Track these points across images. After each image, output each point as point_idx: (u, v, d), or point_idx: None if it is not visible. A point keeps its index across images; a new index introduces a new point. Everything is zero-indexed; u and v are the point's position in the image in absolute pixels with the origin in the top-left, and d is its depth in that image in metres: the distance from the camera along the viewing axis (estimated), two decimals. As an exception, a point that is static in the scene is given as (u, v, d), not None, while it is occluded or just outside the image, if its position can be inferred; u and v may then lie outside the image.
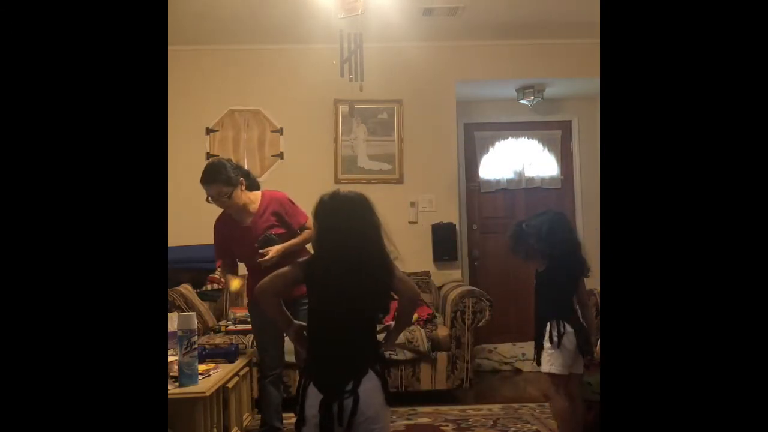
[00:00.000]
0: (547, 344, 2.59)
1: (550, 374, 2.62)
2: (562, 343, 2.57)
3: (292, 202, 3.02)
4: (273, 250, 2.84)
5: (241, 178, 2.91)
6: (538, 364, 2.67)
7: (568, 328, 2.58)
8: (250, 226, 2.95)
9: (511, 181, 5.35)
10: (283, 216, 2.96)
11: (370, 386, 1.75)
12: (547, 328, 2.59)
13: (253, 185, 3.02)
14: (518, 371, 4.90)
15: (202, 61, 4.79)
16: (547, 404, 3.21)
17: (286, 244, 2.89)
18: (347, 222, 1.83)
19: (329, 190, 1.92)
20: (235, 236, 2.97)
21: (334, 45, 3.63)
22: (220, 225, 3.06)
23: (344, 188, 1.94)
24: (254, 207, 2.98)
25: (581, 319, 2.64)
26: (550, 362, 2.60)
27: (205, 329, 3.88)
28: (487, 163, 5.35)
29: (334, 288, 1.80)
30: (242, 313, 4.01)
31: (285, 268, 1.90)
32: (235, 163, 2.97)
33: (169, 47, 3.44)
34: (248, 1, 4.03)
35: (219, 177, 2.84)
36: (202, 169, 2.94)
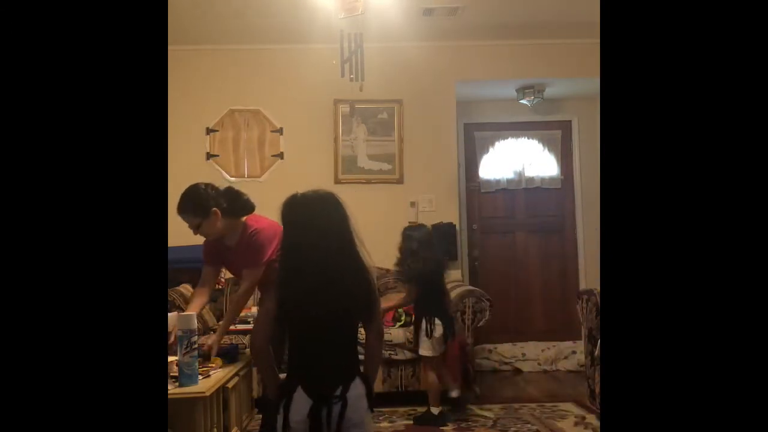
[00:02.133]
0: (422, 334, 3.47)
1: (424, 356, 3.50)
2: (433, 334, 3.44)
3: (262, 243, 2.73)
4: (208, 345, 2.67)
5: (214, 209, 2.70)
6: (417, 350, 3.54)
7: (437, 321, 3.44)
8: (234, 249, 2.82)
9: (511, 181, 5.35)
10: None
11: (357, 392, 1.76)
12: (423, 323, 3.47)
13: (240, 210, 2.80)
14: (518, 371, 4.90)
15: (202, 61, 4.79)
16: (548, 404, 3.52)
17: (218, 333, 2.77)
18: (311, 221, 1.80)
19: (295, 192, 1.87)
20: (222, 252, 2.87)
21: (334, 45, 3.63)
22: (211, 250, 2.90)
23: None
24: (234, 240, 2.81)
25: (449, 313, 3.58)
26: (424, 348, 3.47)
27: (205, 329, 3.88)
28: (487, 163, 5.35)
29: (308, 293, 1.78)
30: (242, 313, 4.01)
31: (263, 309, 1.88)
32: (214, 189, 2.77)
33: (169, 47, 3.44)
34: (248, 1, 4.03)
35: (187, 207, 2.70)
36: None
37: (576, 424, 3.41)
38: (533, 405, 3.82)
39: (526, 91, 5.08)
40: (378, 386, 3.77)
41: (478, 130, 5.36)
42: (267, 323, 1.87)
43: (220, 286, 4.36)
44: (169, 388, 2.28)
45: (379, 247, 4.55)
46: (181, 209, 2.71)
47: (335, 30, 3.59)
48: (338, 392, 1.74)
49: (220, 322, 2.83)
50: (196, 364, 2.44)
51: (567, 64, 4.86)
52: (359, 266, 1.83)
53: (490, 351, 5.00)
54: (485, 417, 3.56)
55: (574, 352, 4.92)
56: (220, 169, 4.75)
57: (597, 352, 3.21)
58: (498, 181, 5.35)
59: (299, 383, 1.77)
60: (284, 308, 1.82)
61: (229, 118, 4.81)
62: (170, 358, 2.44)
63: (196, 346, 2.40)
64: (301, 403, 1.74)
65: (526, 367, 4.91)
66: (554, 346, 5.01)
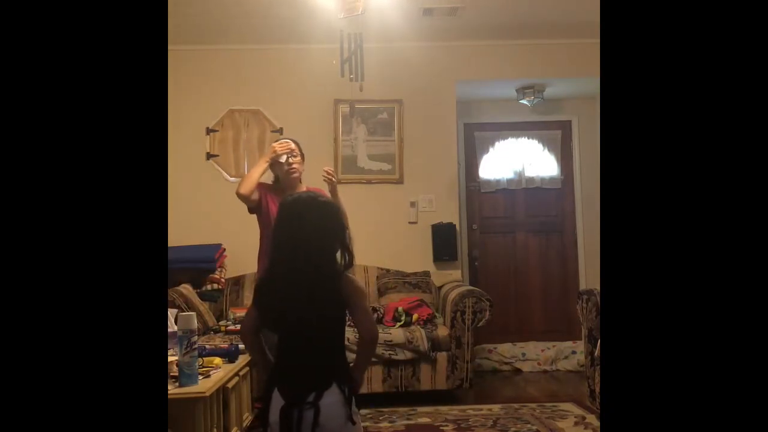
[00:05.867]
0: None
1: None
2: None
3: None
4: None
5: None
6: None
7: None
8: None
9: (511, 181, 5.35)
10: None
11: (332, 401, 1.73)
12: None
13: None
14: (518, 371, 4.90)
15: (202, 61, 4.79)
16: (548, 404, 3.32)
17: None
18: (294, 221, 1.82)
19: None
20: (275, 198, 3.08)
21: (334, 45, 3.63)
22: (268, 185, 3.19)
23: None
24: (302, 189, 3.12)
25: None
26: None
27: (205, 329, 3.88)
28: (487, 163, 5.35)
29: (286, 299, 1.78)
30: (242, 313, 4.01)
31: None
32: None
33: (169, 47, 3.44)
34: (248, 1, 4.02)
35: (295, 140, 3.25)
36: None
37: (576, 424, 3.41)
38: (533, 405, 3.82)
39: (526, 91, 5.07)
40: (378, 386, 3.77)
41: (478, 130, 5.36)
42: (251, 312, 1.90)
43: (220, 287, 4.36)
44: (169, 388, 2.28)
45: (378, 247, 4.61)
46: (295, 142, 3.25)
47: (335, 30, 3.58)
48: (311, 398, 1.72)
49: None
50: (196, 364, 2.44)
51: (567, 64, 4.85)
52: (333, 272, 1.81)
53: (490, 351, 5.00)
54: None
55: (574, 352, 4.92)
56: (220, 169, 4.74)
57: (597, 352, 3.21)
58: (498, 181, 5.35)
59: (276, 384, 1.78)
60: (262, 306, 1.85)
61: (229, 118, 4.81)
62: (170, 358, 2.44)
63: (195, 346, 2.41)
64: (276, 403, 1.75)
65: (526, 367, 4.91)
66: (554, 346, 5.01)
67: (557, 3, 4.19)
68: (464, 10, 4.22)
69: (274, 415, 1.74)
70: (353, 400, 1.78)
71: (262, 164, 3.13)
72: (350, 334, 1.91)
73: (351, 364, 1.86)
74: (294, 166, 3.14)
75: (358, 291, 1.86)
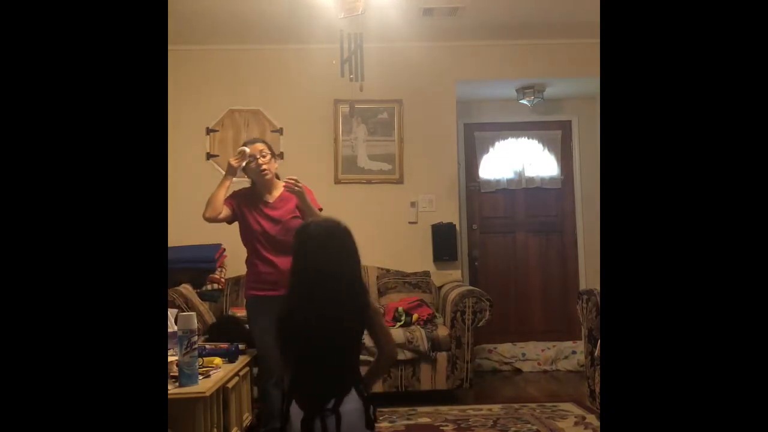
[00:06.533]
0: None
1: None
2: None
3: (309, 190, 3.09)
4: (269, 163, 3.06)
5: (278, 155, 3.24)
6: None
7: None
8: (273, 203, 3.07)
9: (511, 181, 5.35)
10: (303, 210, 3.02)
11: (352, 407, 1.75)
12: None
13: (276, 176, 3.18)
14: (518, 371, 4.90)
15: (202, 61, 4.79)
16: (548, 404, 3.33)
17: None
18: (327, 255, 1.86)
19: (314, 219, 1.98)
20: (256, 209, 3.04)
21: (334, 45, 3.63)
22: (242, 193, 3.14)
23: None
24: (279, 191, 3.09)
25: None
26: None
27: (205, 329, 3.87)
28: (487, 163, 5.35)
29: (311, 311, 1.81)
30: (242, 313, 4.00)
31: None
32: None
33: (169, 47, 3.44)
34: (248, 1, 4.02)
35: (263, 140, 3.21)
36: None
37: (576, 424, 3.41)
38: (533, 405, 3.82)
39: (526, 91, 5.07)
40: (378, 386, 3.77)
41: (478, 130, 5.36)
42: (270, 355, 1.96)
43: (220, 287, 4.36)
44: (169, 388, 2.28)
45: (378, 247, 4.61)
46: (257, 140, 3.18)
47: (335, 30, 3.58)
48: (330, 405, 1.73)
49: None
50: (196, 364, 2.44)
51: (567, 64, 4.85)
52: (362, 304, 1.87)
53: (490, 351, 5.00)
54: None
55: (574, 352, 4.92)
56: (220, 169, 4.73)
57: (597, 352, 3.21)
58: (498, 181, 5.34)
59: (294, 396, 1.80)
60: (282, 324, 1.87)
61: (229, 118, 4.81)
62: (170, 358, 2.44)
63: (195, 346, 2.41)
64: (296, 415, 1.77)
65: (526, 367, 4.91)
66: (554, 346, 5.01)
67: (557, 3, 4.19)
68: (464, 10, 4.22)
69: (295, 426, 1.76)
70: (371, 407, 1.80)
71: (225, 183, 3.02)
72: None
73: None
74: (264, 167, 3.03)
75: (378, 314, 1.94)
